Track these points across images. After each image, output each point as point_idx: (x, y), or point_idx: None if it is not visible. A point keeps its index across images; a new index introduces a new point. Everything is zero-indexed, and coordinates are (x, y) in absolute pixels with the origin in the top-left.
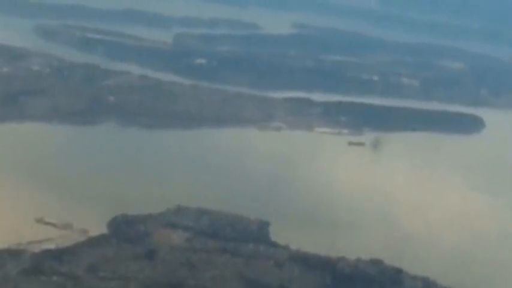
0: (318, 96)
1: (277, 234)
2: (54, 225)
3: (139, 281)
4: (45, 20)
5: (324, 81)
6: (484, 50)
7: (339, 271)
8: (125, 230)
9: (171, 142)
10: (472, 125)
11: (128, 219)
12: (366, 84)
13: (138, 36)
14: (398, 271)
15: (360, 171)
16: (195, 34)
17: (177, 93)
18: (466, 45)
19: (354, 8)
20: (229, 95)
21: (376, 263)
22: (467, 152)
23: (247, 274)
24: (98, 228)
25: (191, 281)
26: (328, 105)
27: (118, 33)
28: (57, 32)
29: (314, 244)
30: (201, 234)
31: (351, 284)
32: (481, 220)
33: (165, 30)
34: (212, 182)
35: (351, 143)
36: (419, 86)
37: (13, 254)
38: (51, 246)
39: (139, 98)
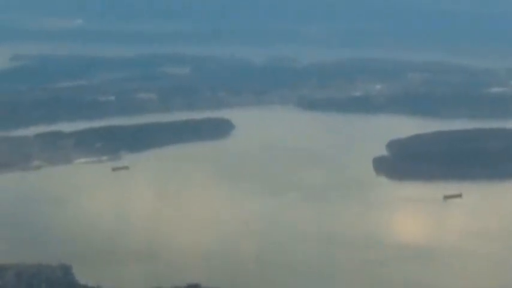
0: (66, 127)
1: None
2: None
3: None
4: None
5: (65, 110)
6: (204, 52)
7: None
8: None
9: None
10: (222, 128)
11: None
12: (105, 106)
13: None
14: None
15: (135, 197)
16: None
17: None
18: (184, 50)
19: (62, 31)
20: None
21: (195, 287)
22: (227, 156)
23: None
24: None
25: None
26: (80, 134)
27: None
28: None
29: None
30: None
31: None
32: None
33: None
34: None
35: (115, 169)
36: (157, 98)
37: None
38: None
39: None
